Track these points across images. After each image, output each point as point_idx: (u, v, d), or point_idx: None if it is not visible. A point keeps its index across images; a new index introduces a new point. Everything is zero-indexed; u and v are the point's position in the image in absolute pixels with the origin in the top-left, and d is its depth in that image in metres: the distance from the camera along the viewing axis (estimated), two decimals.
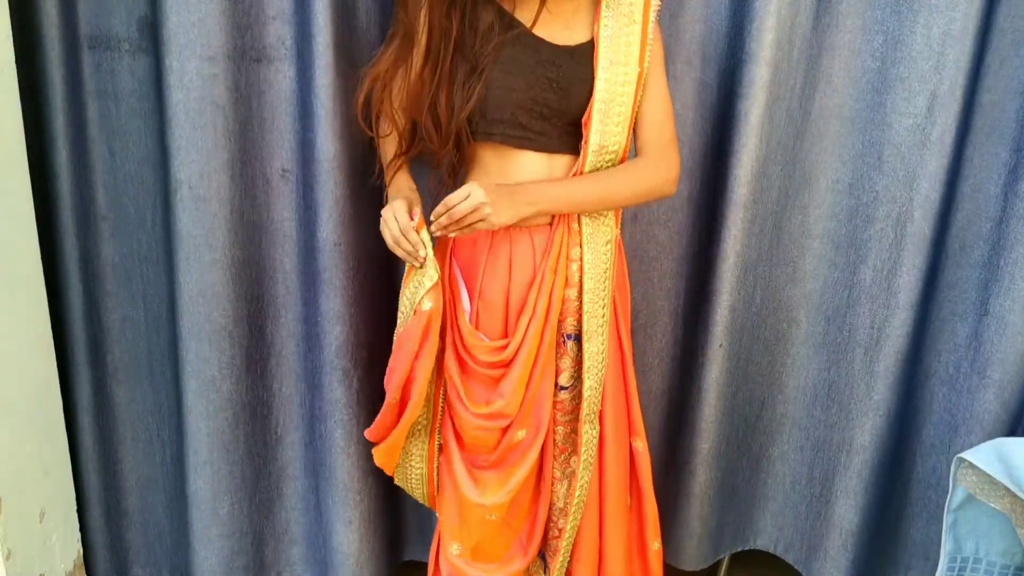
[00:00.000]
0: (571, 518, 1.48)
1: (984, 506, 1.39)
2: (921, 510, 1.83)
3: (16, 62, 1.47)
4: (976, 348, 1.67)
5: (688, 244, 1.76)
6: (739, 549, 2.01)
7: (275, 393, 1.75)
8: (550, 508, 1.50)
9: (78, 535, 1.77)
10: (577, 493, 1.47)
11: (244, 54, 1.53)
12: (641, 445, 1.56)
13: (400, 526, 1.95)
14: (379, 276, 1.73)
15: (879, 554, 1.89)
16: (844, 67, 1.61)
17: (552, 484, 1.49)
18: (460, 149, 1.40)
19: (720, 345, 1.73)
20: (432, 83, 1.32)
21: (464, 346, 1.40)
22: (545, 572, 1.57)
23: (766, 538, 1.98)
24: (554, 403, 1.45)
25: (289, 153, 1.60)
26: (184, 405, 1.68)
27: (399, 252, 1.32)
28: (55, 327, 1.65)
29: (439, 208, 1.27)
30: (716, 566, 2.04)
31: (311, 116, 1.54)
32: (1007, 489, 1.34)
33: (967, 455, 1.35)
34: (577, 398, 1.46)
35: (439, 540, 1.53)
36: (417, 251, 1.30)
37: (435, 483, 1.51)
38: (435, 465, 1.50)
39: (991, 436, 1.66)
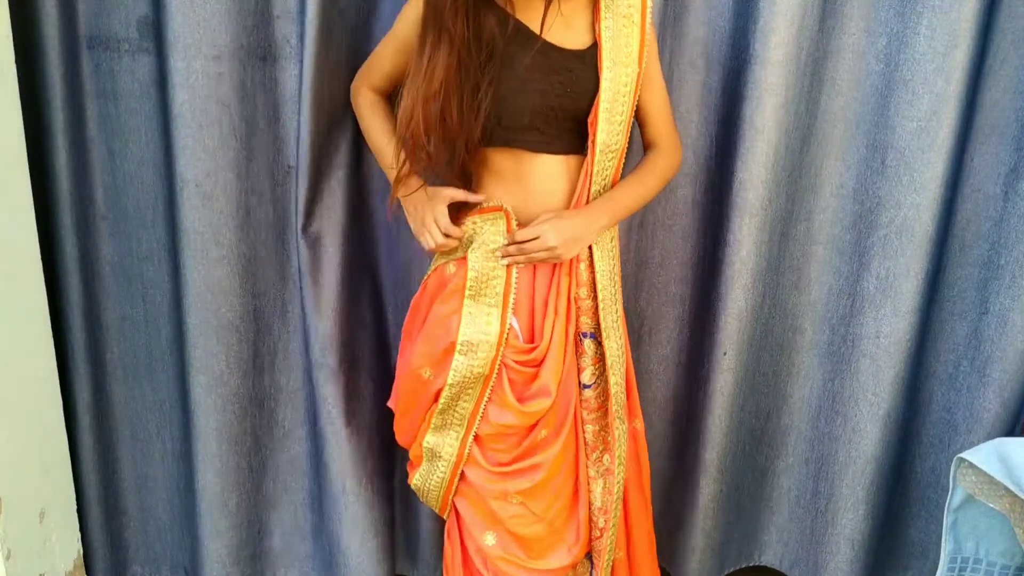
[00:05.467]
0: (613, 515, 1.50)
1: (984, 506, 1.40)
2: (920, 509, 1.84)
3: (16, 62, 1.47)
4: (976, 347, 1.68)
5: (693, 248, 1.76)
6: (744, 565, 2.00)
7: (282, 387, 1.77)
8: (589, 508, 1.51)
9: (78, 535, 1.77)
10: (616, 491, 1.49)
11: (250, 53, 1.53)
12: (640, 425, 1.59)
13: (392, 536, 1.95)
14: (374, 276, 1.74)
15: (878, 555, 1.89)
16: (849, 70, 1.61)
17: (588, 484, 1.50)
18: (465, 160, 1.39)
19: (724, 353, 1.72)
20: (439, 94, 1.27)
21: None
22: (592, 573, 1.58)
23: (771, 554, 1.97)
24: (580, 402, 1.47)
25: (295, 150, 1.60)
26: (192, 400, 1.69)
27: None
28: (55, 327, 1.65)
29: (509, 242, 1.36)
30: None
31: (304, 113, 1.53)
32: (1007, 489, 1.34)
33: (967, 455, 1.35)
34: (602, 395, 1.48)
35: (462, 541, 1.53)
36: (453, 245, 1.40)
37: (454, 486, 1.50)
38: (463, 460, 1.47)
39: (991, 435, 1.67)
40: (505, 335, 1.38)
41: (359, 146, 1.64)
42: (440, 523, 1.85)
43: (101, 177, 1.63)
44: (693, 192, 1.72)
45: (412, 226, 1.43)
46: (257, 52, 1.54)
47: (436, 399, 1.44)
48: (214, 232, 1.59)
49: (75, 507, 1.75)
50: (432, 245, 1.38)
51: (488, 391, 1.41)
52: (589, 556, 1.56)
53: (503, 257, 1.37)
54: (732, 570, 2.00)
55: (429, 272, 1.47)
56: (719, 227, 1.68)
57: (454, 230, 1.36)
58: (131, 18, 1.54)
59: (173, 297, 1.70)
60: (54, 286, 1.65)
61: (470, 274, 1.38)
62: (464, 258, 1.40)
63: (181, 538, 1.88)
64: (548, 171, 1.38)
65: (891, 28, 1.57)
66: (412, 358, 1.46)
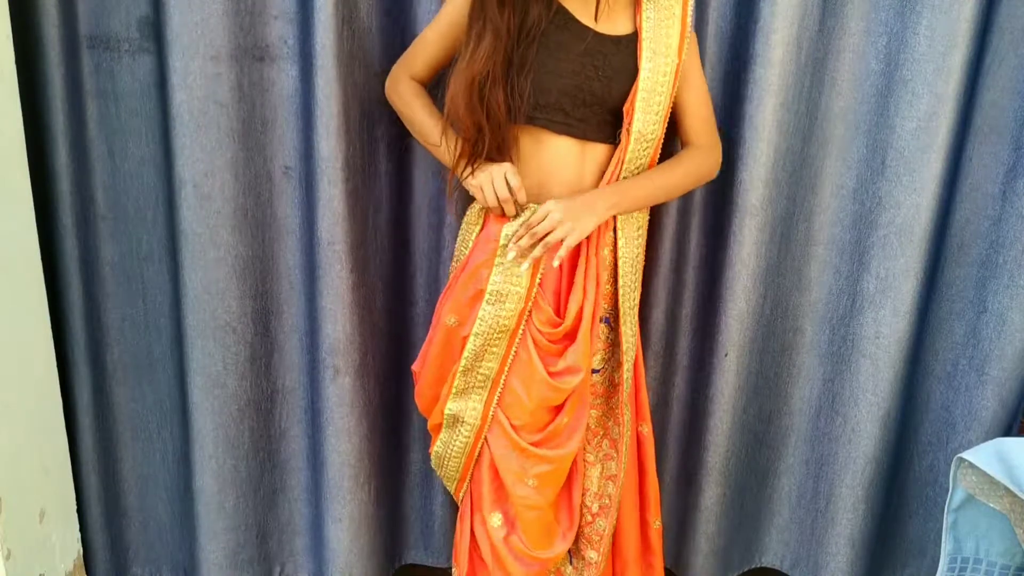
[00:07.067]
0: (614, 500, 1.52)
1: (984, 506, 1.40)
2: (918, 507, 1.84)
3: (16, 62, 1.47)
4: (974, 346, 1.68)
5: (694, 249, 1.75)
6: (746, 569, 1.99)
7: (279, 388, 1.76)
8: (583, 493, 1.52)
9: (78, 535, 1.77)
10: (621, 475, 1.50)
11: (247, 53, 1.53)
12: (647, 429, 1.60)
13: (399, 528, 1.95)
14: (375, 275, 1.73)
15: (877, 554, 1.89)
16: (849, 69, 1.61)
17: (584, 469, 1.50)
18: (501, 140, 1.40)
19: (726, 354, 1.72)
20: (485, 79, 1.30)
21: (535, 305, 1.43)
22: (571, 562, 1.58)
23: (772, 555, 1.97)
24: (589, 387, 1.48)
25: (292, 151, 1.60)
26: (190, 401, 1.69)
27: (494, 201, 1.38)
28: (55, 327, 1.64)
29: (520, 231, 1.34)
30: None
31: (312, 115, 1.54)
32: (1007, 489, 1.34)
33: (967, 455, 1.35)
34: (607, 381, 1.50)
35: (471, 522, 1.53)
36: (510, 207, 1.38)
37: (476, 453, 1.49)
38: (487, 424, 1.47)
39: (989, 433, 1.67)
40: (535, 289, 1.39)
41: (368, 148, 1.64)
42: (453, 511, 1.86)
43: (101, 177, 1.63)
44: (694, 192, 1.71)
45: (476, 182, 1.39)
46: (254, 53, 1.54)
47: (461, 352, 1.44)
48: (211, 233, 1.59)
49: (75, 507, 1.75)
50: (493, 200, 1.37)
51: (513, 350, 1.42)
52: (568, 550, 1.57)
53: (512, 251, 1.35)
54: (736, 574, 1.99)
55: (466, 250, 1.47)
56: (720, 227, 1.68)
57: (521, 193, 1.36)
58: (131, 18, 1.54)
59: (173, 297, 1.70)
60: (54, 286, 1.65)
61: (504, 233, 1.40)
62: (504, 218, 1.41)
63: (181, 539, 1.88)
64: (568, 155, 1.39)
65: (891, 28, 1.57)
66: (442, 312, 1.47)
